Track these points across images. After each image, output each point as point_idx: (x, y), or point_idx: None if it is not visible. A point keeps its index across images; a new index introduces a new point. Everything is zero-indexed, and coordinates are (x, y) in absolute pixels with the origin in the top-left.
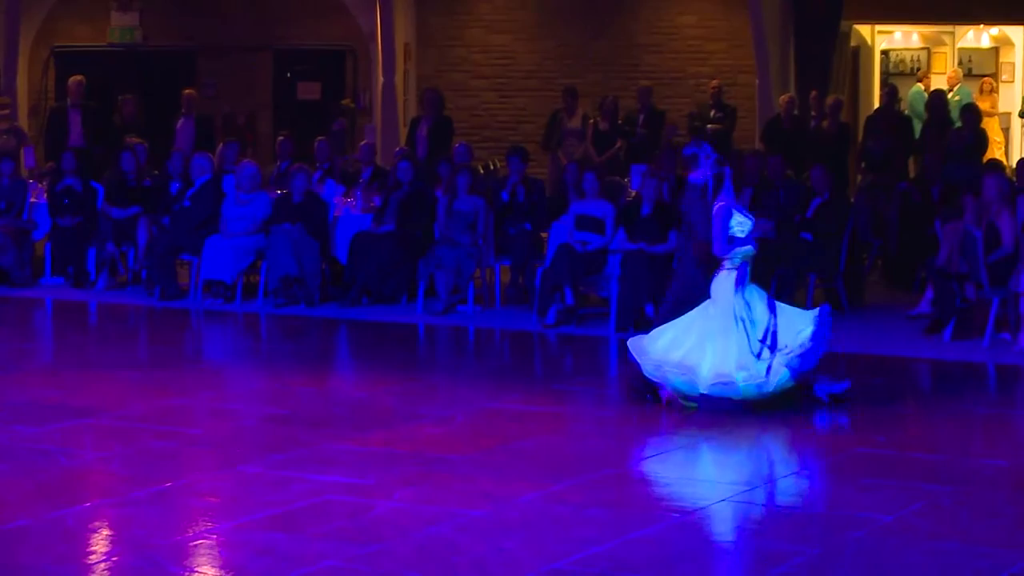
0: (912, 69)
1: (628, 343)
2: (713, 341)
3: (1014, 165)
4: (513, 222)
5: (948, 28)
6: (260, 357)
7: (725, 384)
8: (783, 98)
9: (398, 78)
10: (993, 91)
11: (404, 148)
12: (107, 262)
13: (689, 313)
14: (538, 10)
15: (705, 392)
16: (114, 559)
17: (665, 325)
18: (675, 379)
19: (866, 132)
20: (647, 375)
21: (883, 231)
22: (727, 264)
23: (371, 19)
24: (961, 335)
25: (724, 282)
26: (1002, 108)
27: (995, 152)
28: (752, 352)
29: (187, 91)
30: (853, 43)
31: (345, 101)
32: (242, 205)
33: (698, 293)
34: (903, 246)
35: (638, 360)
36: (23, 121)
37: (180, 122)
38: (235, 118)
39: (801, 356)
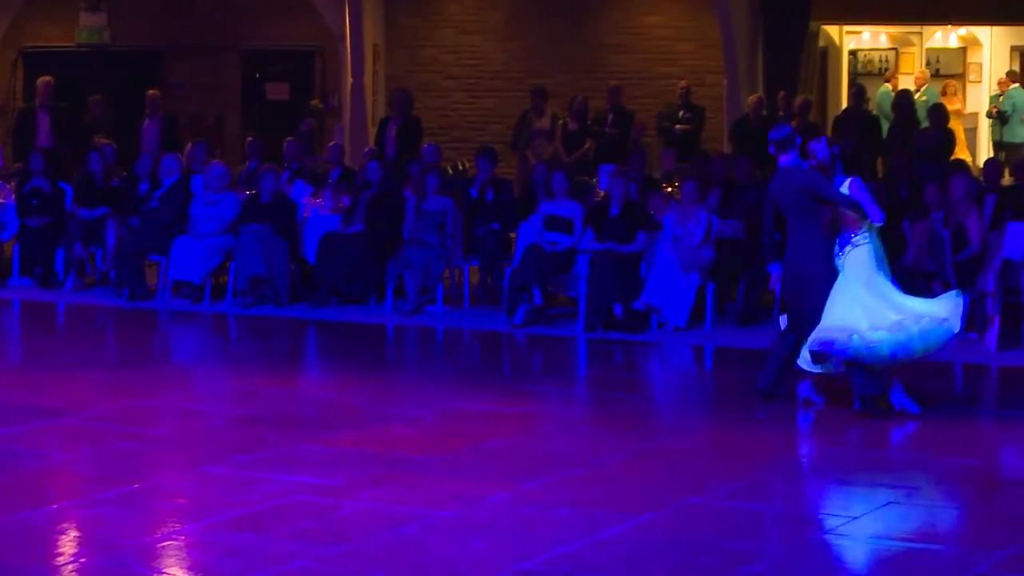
0: (880, 69)
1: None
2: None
3: (982, 165)
4: (482, 222)
5: (916, 29)
6: (228, 358)
7: (895, 330)
8: (751, 98)
9: (367, 78)
10: (956, 93)
11: (373, 148)
12: (75, 263)
13: (837, 297)
14: (507, 11)
15: (886, 351)
16: (82, 560)
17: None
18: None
19: (834, 132)
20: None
21: None
22: (859, 239)
23: (340, 19)
24: None
25: (860, 256)
26: (970, 108)
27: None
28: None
29: (151, 91)
30: (821, 43)
31: (314, 102)
32: (211, 205)
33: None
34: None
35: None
36: None
37: (145, 123)
38: (204, 118)
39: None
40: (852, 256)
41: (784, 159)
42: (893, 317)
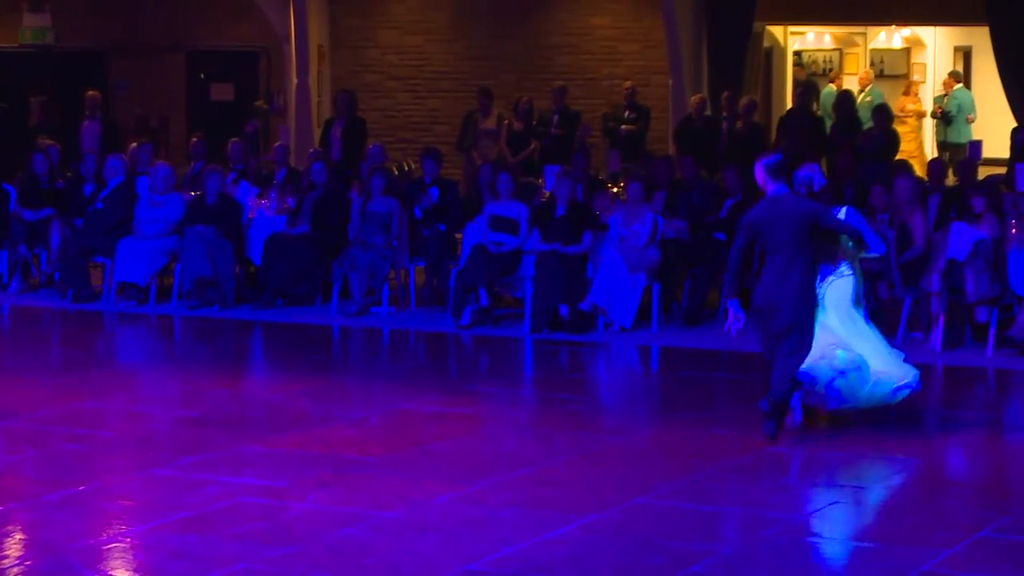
0: (824, 70)
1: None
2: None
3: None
4: (427, 223)
5: (860, 29)
6: (173, 359)
7: (887, 381)
8: (694, 98)
9: (312, 79)
10: (918, 93)
11: (318, 149)
12: (19, 264)
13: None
14: (452, 11)
15: (868, 390)
16: (27, 563)
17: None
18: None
19: (779, 133)
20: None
21: None
22: (844, 269)
23: (284, 20)
24: None
25: (843, 287)
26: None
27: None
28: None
29: (91, 92)
30: (766, 44)
31: (258, 102)
32: (155, 207)
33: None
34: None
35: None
36: None
37: (85, 124)
38: (148, 119)
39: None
40: (835, 286)
41: (774, 187)
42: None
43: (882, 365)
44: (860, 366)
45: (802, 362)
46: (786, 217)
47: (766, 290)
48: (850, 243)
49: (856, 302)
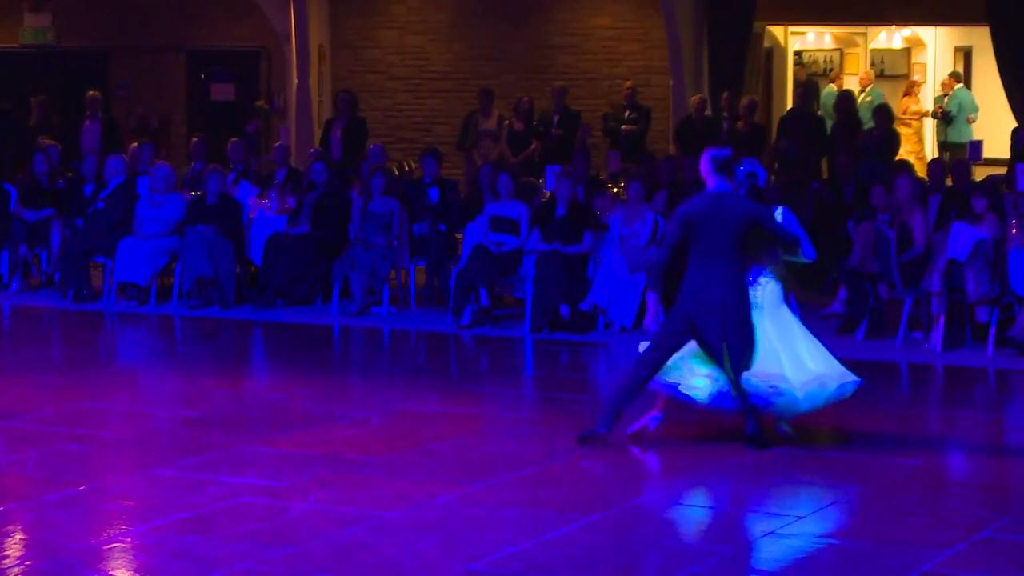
0: (825, 70)
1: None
2: (783, 349)
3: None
4: (428, 223)
5: (860, 29)
6: (174, 359)
7: (820, 387)
8: (694, 99)
9: (312, 79)
10: (920, 94)
11: (318, 150)
12: (20, 264)
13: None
14: (453, 12)
15: (804, 404)
16: (27, 563)
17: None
18: (776, 396)
19: (779, 133)
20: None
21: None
22: (774, 274)
23: (285, 20)
24: (874, 335)
25: (774, 292)
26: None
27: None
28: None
29: (92, 92)
30: (766, 44)
31: (259, 102)
32: (156, 207)
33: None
34: (816, 246)
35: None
36: None
37: (86, 124)
38: (149, 119)
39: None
40: (768, 288)
41: (716, 182)
42: (808, 375)
43: (818, 367)
44: (781, 392)
45: (749, 365)
46: (727, 216)
47: (696, 293)
48: (782, 248)
49: (790, 299)
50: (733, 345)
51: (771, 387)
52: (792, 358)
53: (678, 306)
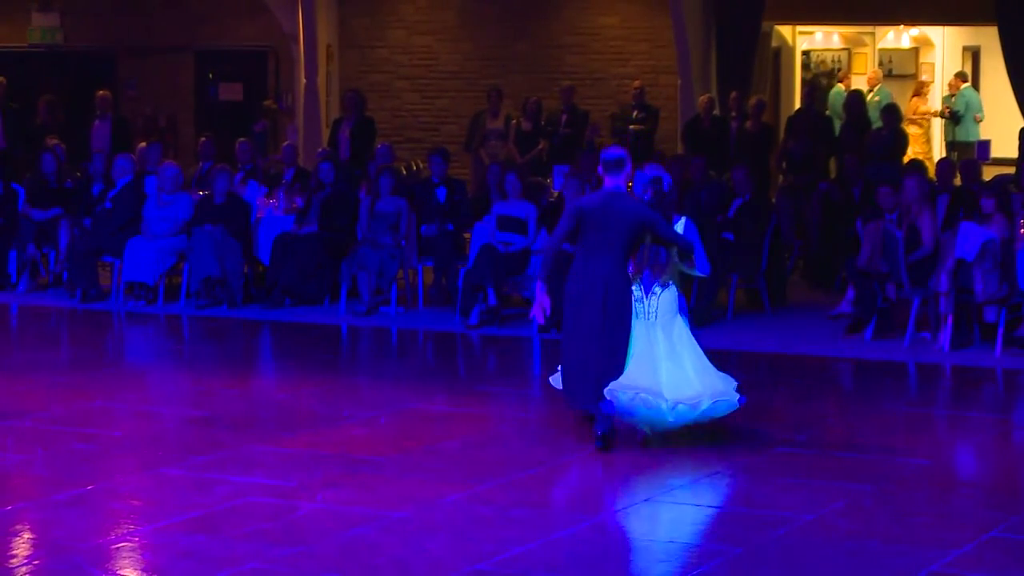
0: (833, 70)
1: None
2: (667, 362)
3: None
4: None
5: (868, 29)
6: (182, 359)
7: (691, 407)
8: (702, 98)
9: (320, 79)
10: (930, 94)
11: (326, 149)
12: (28, 264)
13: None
14: (460, 11)
15: (671, 420)
16: (35, 562)
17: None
18: (643, 408)
19: (787, 133)
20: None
21: (804, 231)
22: (669, 283)
23: (293, 20)
24: (882, 334)
25: (669, 302)
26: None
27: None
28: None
29: (101, 92)
30: (774, 44)
31: (267, 102)
32: (164, 206)
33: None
34: (824, 246)
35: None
36: None
37: (95, 123)
38: (157, 119)
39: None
40: (663, 298)
41: (611, 182)
42: (688, 392)
43: (698, 385)
44: (650, 406)
45: (617, 373)
46: (622, 215)
47: (579, 280)
48: (678, 256)
49: (681, 310)
50: (605, 336)
51: (642, 399)
52: (674, 374)
53: (564, 294)
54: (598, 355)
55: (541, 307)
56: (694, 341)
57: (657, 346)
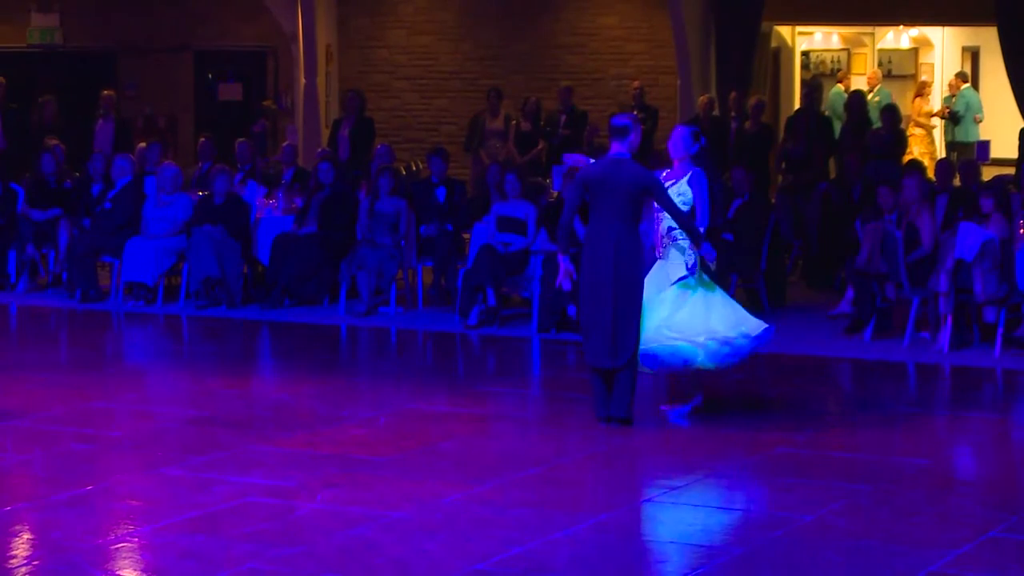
0: (832, 70)
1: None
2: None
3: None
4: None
5: (868, 29)
6: (181, 359)
7: (725, 343)
8: (701, 99)
9: (320, 79)
10: (926, 94)
11: (326, 149)
12: (27, 264)
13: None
14: (460, 12)
15: (711, 361)
16: (35, 563)
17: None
18: (679, 356)
19: (786, 133)
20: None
21: (803, 232)
22: (680, 237)
23: (292, 20)
24: (881, 335)
25: (677, 259)
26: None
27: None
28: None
29: (106, 92)
30: (773, 44)
31: (266, 102)
32: (163, 207)
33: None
34: (823, 246)
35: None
36: None
37: (99, 123)
38: (156, 119)
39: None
40: (672, 257)
41: (615, 148)
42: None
43: (724, 327)
44: (685, 353)
45: (636, 332)
46: (622, 180)
47: (593, 246)
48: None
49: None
50: (620, 297)
51: (677, 346)
52: (703, 317)
53: (581, 264)
54: (614, 315)
55: (568, 273)
56: (721, 291)
57: (688, 296)
